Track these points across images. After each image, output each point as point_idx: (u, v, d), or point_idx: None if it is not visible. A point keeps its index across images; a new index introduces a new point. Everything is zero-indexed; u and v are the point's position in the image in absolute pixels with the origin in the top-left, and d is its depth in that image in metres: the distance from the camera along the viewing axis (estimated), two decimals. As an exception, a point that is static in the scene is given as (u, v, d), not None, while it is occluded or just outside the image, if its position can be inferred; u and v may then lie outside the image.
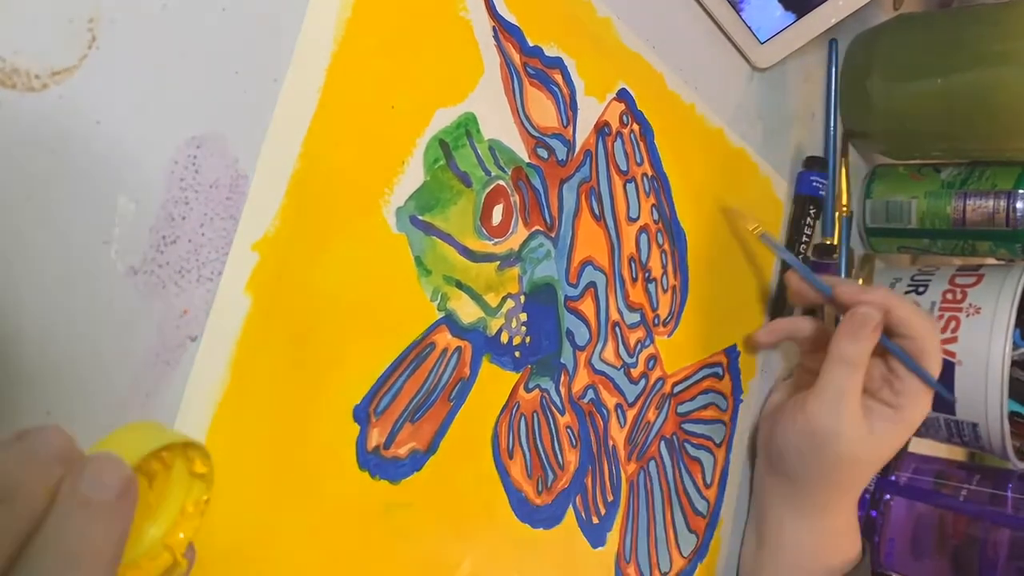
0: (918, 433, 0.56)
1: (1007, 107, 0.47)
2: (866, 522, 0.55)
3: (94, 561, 0.15)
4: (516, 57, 0.32)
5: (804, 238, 0.50)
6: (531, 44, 0.33)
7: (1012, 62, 0.47)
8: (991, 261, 0.62)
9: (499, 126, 0.31)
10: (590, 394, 0.36)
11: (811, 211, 0.50)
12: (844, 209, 0.55)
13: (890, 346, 0.42)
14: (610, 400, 0.38)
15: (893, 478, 0.56)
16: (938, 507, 0.53)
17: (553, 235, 0.34)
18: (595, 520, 0.37)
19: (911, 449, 0.67)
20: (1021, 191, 0.52)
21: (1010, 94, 0.47)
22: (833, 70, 0.52)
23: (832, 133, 0.53)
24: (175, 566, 0.19)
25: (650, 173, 0.39)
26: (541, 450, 0.34)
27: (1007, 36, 0.47)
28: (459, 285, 0.30)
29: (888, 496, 0.55)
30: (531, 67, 0.33)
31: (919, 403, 0.42)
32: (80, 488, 0.16)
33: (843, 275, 0.54)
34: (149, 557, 0.19)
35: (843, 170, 0.55)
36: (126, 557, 0.17)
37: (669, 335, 0.41)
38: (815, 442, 0.41)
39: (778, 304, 0.49)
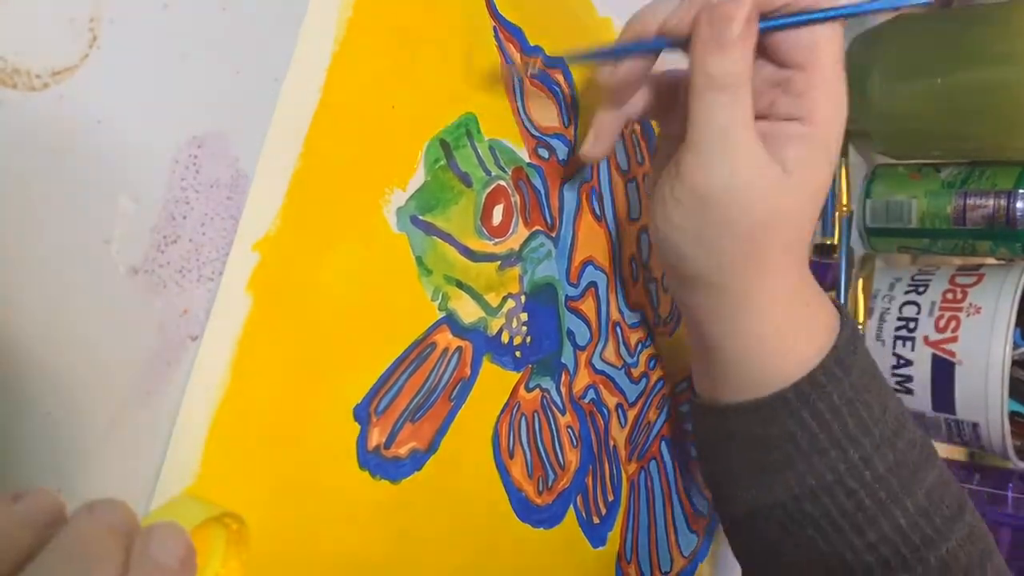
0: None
1: (1007, 106, 0.47)
2: None
3: None
4: (517, 57, 0.32)
5: None
6: (531, 44, 0.33)
7: (1013, 62, 0.47)
8: (991, 261, 0.62)
9: (500, 126, 0.31)
10: (591, 394, 0.36)
11: None
12: (844, 208, 0.55)
13: (771, 24, 0.27)
14: (611, 400, 0.38)
15: None
16: None
17: (554, 235, 0.34)
18: (596, 520, 0.37)
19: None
20: (1021, 191, 0.52)
21: (1010, 94, 0.47)
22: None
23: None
24: None
25: (651, 173, 0.39)
26: (542, 450, 0.34)
27: (1008, 36, 0.48)
28: (460, 285, 0.30)
29: None
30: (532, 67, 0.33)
31: (831, 90, 0.28)
32: (151, 552, 0.18)
33: (843, 275, 0.54)
34: None
35: (843, 169, 0.55)
36: None
37: (670, 335, 0.41)
38: (712, 215, 0.28)
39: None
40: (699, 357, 0.34)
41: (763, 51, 0.28)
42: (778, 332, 0.30)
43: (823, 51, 0.28)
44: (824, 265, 0.53)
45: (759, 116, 0.28)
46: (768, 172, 0.27)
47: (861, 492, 0.30)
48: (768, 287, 0.29)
